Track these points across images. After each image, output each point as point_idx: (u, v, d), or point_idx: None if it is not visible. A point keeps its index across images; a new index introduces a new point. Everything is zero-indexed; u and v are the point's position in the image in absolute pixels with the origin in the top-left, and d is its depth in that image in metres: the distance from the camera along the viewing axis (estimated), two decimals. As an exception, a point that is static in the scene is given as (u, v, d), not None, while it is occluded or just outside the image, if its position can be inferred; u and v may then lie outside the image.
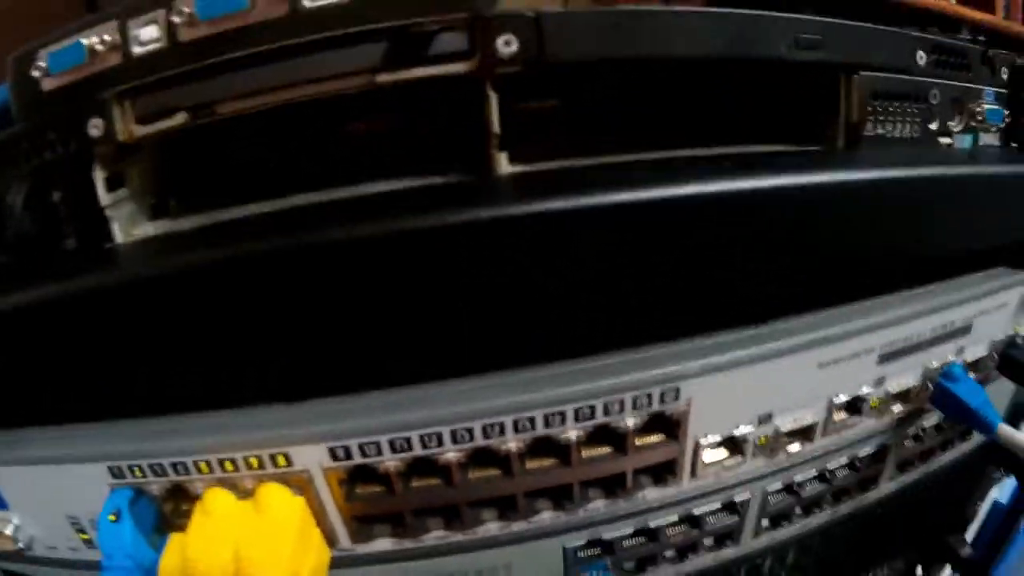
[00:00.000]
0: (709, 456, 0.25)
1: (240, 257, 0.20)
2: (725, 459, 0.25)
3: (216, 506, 0.21)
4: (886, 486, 0.33)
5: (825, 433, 0.27)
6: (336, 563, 0.24)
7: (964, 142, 0.31)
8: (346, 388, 0.22)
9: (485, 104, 0.20)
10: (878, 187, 0.24)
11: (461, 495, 0.23)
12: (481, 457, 0.23)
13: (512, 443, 0.22)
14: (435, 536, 0.24)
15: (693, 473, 0.25)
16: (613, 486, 0.24)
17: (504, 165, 0.22)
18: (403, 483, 0.22)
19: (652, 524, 0.26)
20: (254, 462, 0.21)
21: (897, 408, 0.29)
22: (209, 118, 0.21)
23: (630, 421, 0.23)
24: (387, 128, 0.25)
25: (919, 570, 0.42)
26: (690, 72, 0.24)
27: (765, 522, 0.29)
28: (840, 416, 0.27)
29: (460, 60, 0.20)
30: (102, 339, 0.20)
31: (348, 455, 0.21)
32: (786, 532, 0.30)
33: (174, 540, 0.21)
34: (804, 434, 0.27)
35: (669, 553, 0.28)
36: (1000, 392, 0.36)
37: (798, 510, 0.30)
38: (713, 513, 0.27)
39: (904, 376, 0.28)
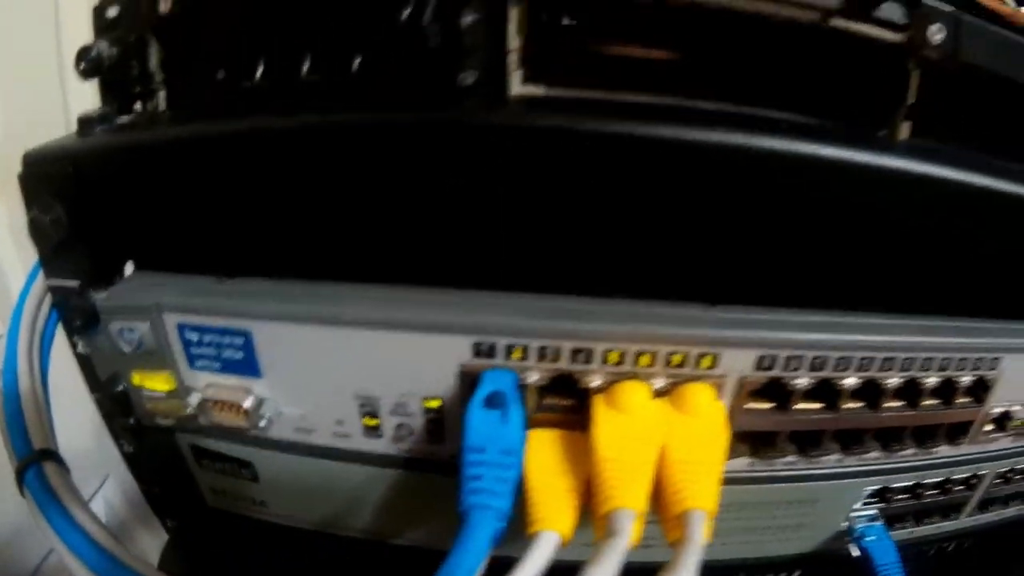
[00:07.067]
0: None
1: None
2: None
3: (634, 403, 0.19)
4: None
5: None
6: (735, 480, 0.22)
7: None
8: (771, 301, 0.20)
9: (908, 78, 0.20)
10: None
11: (808, 422, 0.22)
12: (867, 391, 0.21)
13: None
14: (785, 462, 0.22)
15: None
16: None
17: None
18: (800, 402, 0.21)
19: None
20: (676, 359, 0.19)
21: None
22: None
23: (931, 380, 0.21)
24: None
25: None
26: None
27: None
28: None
29: (895, 31, 0.20)
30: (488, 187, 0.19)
31: (772, 366, 0.20)
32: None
33: (538, 438, 0.19)
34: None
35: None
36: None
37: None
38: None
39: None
